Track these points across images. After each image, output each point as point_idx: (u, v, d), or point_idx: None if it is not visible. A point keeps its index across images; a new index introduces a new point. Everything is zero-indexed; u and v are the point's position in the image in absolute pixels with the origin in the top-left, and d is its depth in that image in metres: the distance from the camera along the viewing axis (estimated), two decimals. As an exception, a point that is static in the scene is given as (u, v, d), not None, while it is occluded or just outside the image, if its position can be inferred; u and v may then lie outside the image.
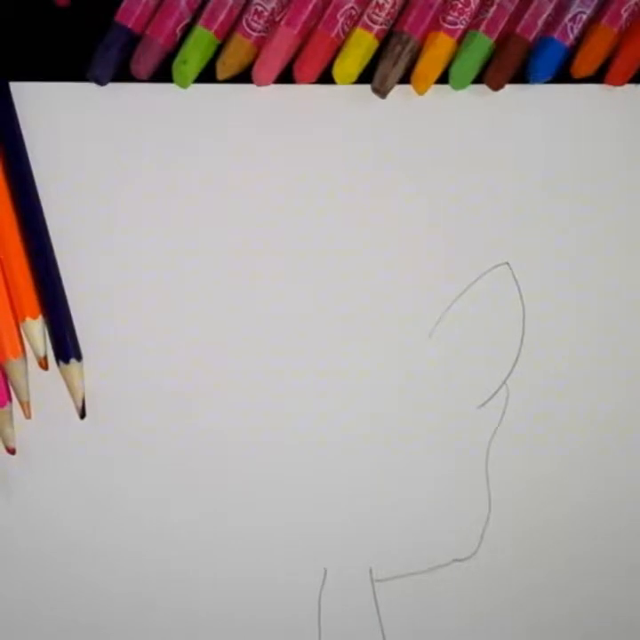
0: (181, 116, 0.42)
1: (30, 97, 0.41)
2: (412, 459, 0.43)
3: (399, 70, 0.41)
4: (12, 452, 0.41)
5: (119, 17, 0.41)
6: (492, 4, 0.41)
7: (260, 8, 0.41)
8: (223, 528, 0.42)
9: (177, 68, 0.41)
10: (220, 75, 0.41)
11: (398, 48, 0.41)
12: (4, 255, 0.41)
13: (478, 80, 0.42)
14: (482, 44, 0.41)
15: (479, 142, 0.42)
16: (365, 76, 0.42)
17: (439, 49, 0.41)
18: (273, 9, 0.41)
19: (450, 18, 0.41)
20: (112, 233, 0.42)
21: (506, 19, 0.41)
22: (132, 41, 0.41)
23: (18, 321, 0.41)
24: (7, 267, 0.41)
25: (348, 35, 0.41)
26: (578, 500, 0.43)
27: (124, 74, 0.41)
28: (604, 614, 0.44)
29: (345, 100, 0.42)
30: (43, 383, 0.41)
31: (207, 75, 0.42)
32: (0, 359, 0.41)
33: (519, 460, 0.43)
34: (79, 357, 0.41)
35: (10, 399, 0.41)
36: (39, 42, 0.41)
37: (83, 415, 0.41)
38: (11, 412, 0.41)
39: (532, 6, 0.41)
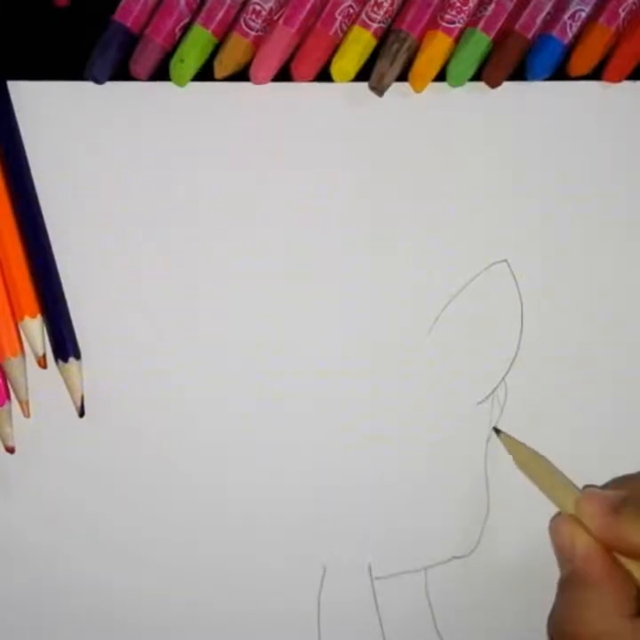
0: (179, 115, 0.42)
1: (28, 95, 0.41)
2: (411, 455, 0.43)
3: (396, 68, 0.41)
4: (11, 450, 0.41)
5: (117, 16, 0.41)
6: (490, 2, 0.41)
7: (258, 7, 0.41)
8: (222, 526, 0.42)
9: (174, 66, 0.41)
10: (218, 73, 0.42)
11: (396, 46, 0.41)
12: (2, 254, 0.41)
13: (476, 77, 0.42)
14: (479, 41, 0.41)
15: (477, 139, 0.43)
16: (363, 74, 0.42)
17: (437, 48, 0.41)
18: (271, 8, 0.41)
19: (448, 16, 0.41)
20: (110, 231, 0.42)
21: (504, 16, 0.41)
22: (131, 40, 0.41)
23: (17, 320, 0.41)
24: (6, 266, 0.40)
25: (345, 33, 0.41)
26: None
27: (122, 72, 0.41)
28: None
29: (342, 97, 0.42)
30: (42, 382, 0.41)
31: (205, 73, 0.42)
32: (-1, 358, 0.41)
33: (518, 456, 0.43)
34: (78, 356, 0.41)
35: (9, 398, 0.41)
36: (38, 41, 0.41)
37: (82, 414, 0.41)
38: (10, 411, 0.41)
39: (531, 4, 0.41)
